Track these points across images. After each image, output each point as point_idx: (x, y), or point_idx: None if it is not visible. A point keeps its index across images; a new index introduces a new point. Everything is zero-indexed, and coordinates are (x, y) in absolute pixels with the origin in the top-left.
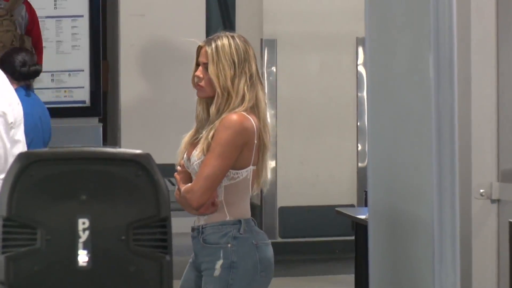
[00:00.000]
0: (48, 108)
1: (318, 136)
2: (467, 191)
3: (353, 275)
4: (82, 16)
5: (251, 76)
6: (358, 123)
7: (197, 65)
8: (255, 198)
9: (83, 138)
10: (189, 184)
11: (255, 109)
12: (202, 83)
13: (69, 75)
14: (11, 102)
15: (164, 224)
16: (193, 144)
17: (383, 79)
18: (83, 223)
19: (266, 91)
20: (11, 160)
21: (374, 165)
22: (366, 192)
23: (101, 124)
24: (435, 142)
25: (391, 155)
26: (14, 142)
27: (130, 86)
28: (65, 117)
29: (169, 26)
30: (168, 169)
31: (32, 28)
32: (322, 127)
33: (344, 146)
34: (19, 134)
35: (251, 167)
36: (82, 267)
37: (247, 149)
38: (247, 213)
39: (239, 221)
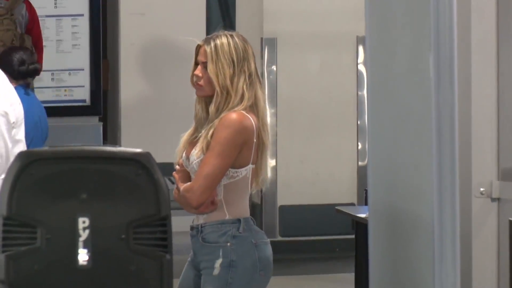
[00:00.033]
0: (48, 107)
1: (318, 135)
2: (467, 190)
3: (353, 274)
4: (82, 15)
5: (250, 75)
6: (359, 122)
7: (196, 64)
8: (255, 196)
9: (83, 137)
10: (189, 183)
11: (254, 108)
12: (201, 82)
13: (69, 74)
14: (13, 102)
15: (164, 223)
16: (192, 143)
17: (383, 79)
18: (83, 222)
19: (266, 90)
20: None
21: (374, 164)
22: (366, 190)
23: (101, 123)
24: (435, 141)
25: (391, 154)
26: (15, 142)
27: (130, 85)
28: (65, 116)
29: (169, 25)
30: (168, 168)
31: (32, 27)
32: (322, 126)
33: (344, 145)
34: (20, 133)
35: (250, 166)
36: (82, 266)
37: (246, 148)
38: (246, 212)
39: (238, 220)
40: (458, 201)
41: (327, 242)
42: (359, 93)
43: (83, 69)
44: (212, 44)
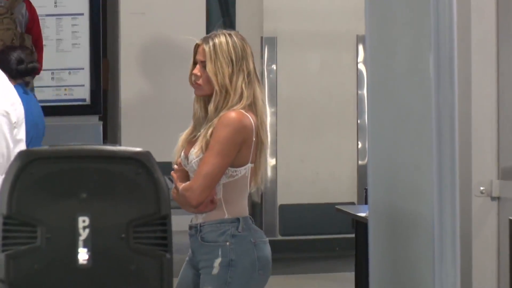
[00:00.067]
0: (48, 106)
1: (318, 134)
2: (467, 189)
3: (353, 273)
4: (82, 14)
5: (248, 73)
6: (359, 121)
7: (195, 63)
8: (255, 195)
9: (83, 136)
10: (188, 182)
11: (252, 106)
12: (200, 81)
13: (69, 73)
14: (14, 102)
15: (164, 222)
16: (190, 142)
17: (383, 79)
18: (83, 221)
19: (266, 89)
20: None
21: (374, 164)
22: (366, 189)
23: (101, 122)
24: (435, 140)
25: (391, 154)
26: (16, 141)
27: (130, 84)
28: (65, 115)
29: (169, 24)
30: (168, 167)
31: (32, 26)
32: (322, 125)
33: (344, 144)
34: (21, 133)
35: (249, 165)
36: (82, 265)
37: (245, 146)
38: (245, 211)
39: (238, 219)
40: (458, 200)
41: (327, 241)
42: (359, 92)
43: (83, 68)
44: (211, 43)
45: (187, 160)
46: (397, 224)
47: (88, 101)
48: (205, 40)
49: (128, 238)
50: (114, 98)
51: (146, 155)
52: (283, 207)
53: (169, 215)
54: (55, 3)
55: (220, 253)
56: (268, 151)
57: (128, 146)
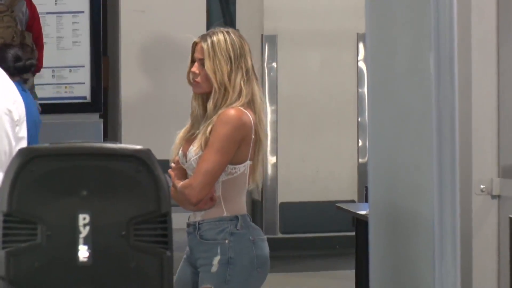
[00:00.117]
0: (49, 104)
1: (318, 132)
2: (468, 187)
3: (353, 271)
4: (82, 12)
5: (247, 71)
6: (359, 119)
7: (193, 61)
8: (256, 193)
9: (84, 134)
10: (187, 180)
11: (251, 104)
12: (199, 79)
13: (70, 71)
14: (16, 100)
15: (164, 220)
16: (188, 140)
17: (383, 78)
18: (83, 219)
19: (266, 87)
20: None
21: (374, 162)
22: (366, 187)
23: (101, 120)
24: (435, 139)
25: (391, 152)
26: (18, 139)
27: (131, 82)
28: (65, 113)
29: (170, 22)
30: (169, 165)
31: (32, 24)
32: (323, 123)
33: (344, 142)
34: (23, 131)
35: (248, 162)
36: (83, 262)
37: (244, 144)
38: (243, 209)
39: (236, 217)
40: (458, 199)
41: (327, 239)
42: (360, 90)
43: (83, 66)
44: (209, 41)
45: (186, 158)
46: (397, 222)
47: (88, 99)
48: (203, 38)
49: (129, 236)
50: (114, 96)
51: (147, 153)
52: (283, 205)
53: (169, 213)
54: (56, 1)
55: (219, 251)
56: (268, 149)
57: (128, 144)
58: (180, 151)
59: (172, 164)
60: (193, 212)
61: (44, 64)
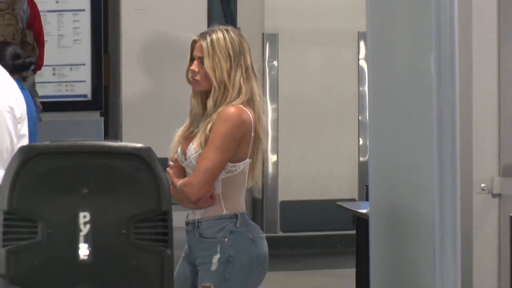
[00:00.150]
0: (50, 102)
1: (319, 131)
2: (468, 186)
3: (354, 269)
4: (83, 10)
5: (246, 69)
6: (360, 118)
7: (192, 59)
8: (256, 192)
9: (85, 132)
10: (186, 178)
11: (250, 102)
12: (198, 77)
13: (71, 69)
14: (17, 97)
15: (165, 218)
16: (187, 138)
17: (384, 78)
18: (84, 217)
19: (267, 86)
20: None
21: (375, 161)
22: (367, 186)
23: (102, 118)
24: (436, 138)
25: (392, 152)
26: (20, 137)
27: (132, 80)
28: (66, 111)
29: (171, 20)
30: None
31: (33, 22)
32: (323, 121)
33: (345, 140)
34: (24, 128)
35: (248, 160)
36: (83, 260)
37: (244, 141)
38: (243, 207)
39: (236, 215)
40: (459, 198)
41: (328, 238)
42: (360, 89)
43: (84, 64)
44: (208, 39)
45: (185, 156)
46: (398, 221)
47: (89, 97)
48: (202, 36)
49: (129, 234)
50: (115, 94)
51: (147, 151)
52: (284, 204)
53: (169, 211)
54: None
55: (218, 249)
56: (269, 148)
57: (129, 142)
58: (179, 149)
59: (171, 163)
60: (192, 210)
61: (45, 62)
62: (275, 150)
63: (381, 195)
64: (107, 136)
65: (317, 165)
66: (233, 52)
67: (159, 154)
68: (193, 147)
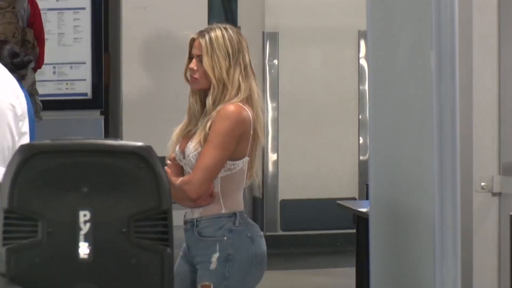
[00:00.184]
0: (50, 101)
1: (319, 129)
2: (468, 184)
3: (354, 268)
4: (84, 8)
5: (245, 67)
6: (360, 116)
7: (190, 58)
8: (256, 191)
9: (85, 130)
10: (186, 176)
11: (249, 100)
12: (197, 75)
13: (71, 67)
14: (18, 95)
15: (165, 217)
16: (186, 136)
17: (384, 75)
18: (84, 216)
19: (268, 84)
20: None
21: (375, 159)
22: (367, 185)
23: (102, 117)
24: (436, 136)
25: (392, 149)
26: (21, 134)
27: (132, 79)
28: (66, 110)
29: (171, 19)
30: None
31: (34, 20)
32: (324, 120)
33: (346, 139)
34: (25, 126)
35: (246, 158)
36: (83, 259)
37: (243, 139)
38: (241, 205)
39: (234, 214)
40: (459, 196)
41: (328, 236)
42: (361, 87)
43: (84, 63)
44: (207, 37)
45: (183, 154)
46: (398, 220)
47: (89, 96)
48: (201, 34)
49: (129, 233)
50: (115, 92)
51: (148, 149)
52: (284, 202)
53: (170, 210)
54: None
55: (218, 248)
56: (269, 146)
57: (129, 140)
58: (177, 148)
59: (168, 162)
60: (190, 209)
61: (45, 60)
62: (275, 149)
63: (381, 194)
64: (107, 135)
65: (317, 163)
66: (232, 50)
67: (160, 153)
68: (192, 145)
